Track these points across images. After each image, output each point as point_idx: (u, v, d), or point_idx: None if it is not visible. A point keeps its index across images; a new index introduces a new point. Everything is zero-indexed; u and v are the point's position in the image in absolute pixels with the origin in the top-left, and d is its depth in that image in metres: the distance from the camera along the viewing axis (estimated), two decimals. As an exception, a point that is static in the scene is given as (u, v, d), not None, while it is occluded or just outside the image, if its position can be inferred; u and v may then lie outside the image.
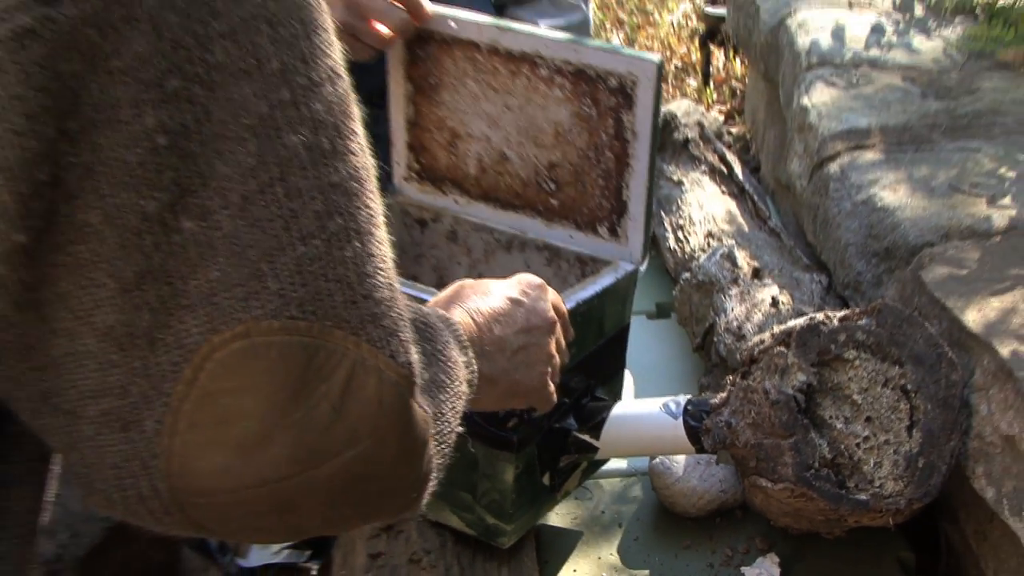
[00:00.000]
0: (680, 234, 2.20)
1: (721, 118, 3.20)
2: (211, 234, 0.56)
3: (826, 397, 1.37)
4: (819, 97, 2.10)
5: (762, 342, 1.43)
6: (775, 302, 1.76)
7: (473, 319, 1.02)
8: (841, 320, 1.40)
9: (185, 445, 0.58)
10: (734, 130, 3.13)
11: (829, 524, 1.41)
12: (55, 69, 0.52)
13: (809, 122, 2.05)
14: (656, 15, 3.98)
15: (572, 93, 1.56)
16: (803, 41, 2.33)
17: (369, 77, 2.08)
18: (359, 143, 0.62)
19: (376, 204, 0.64)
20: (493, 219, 1.73)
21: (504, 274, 1.76)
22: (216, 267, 0.57)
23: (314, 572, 1.70)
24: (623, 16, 4.03)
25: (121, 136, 0.54)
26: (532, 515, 1.54)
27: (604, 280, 1.54)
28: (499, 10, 2.01)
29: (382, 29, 1.60)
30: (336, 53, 0.62)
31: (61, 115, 0.53)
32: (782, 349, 1.37)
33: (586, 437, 1.51)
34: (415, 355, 0.67)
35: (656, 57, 1.49)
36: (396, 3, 1.59)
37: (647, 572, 1.55)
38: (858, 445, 1.34)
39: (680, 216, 2.23)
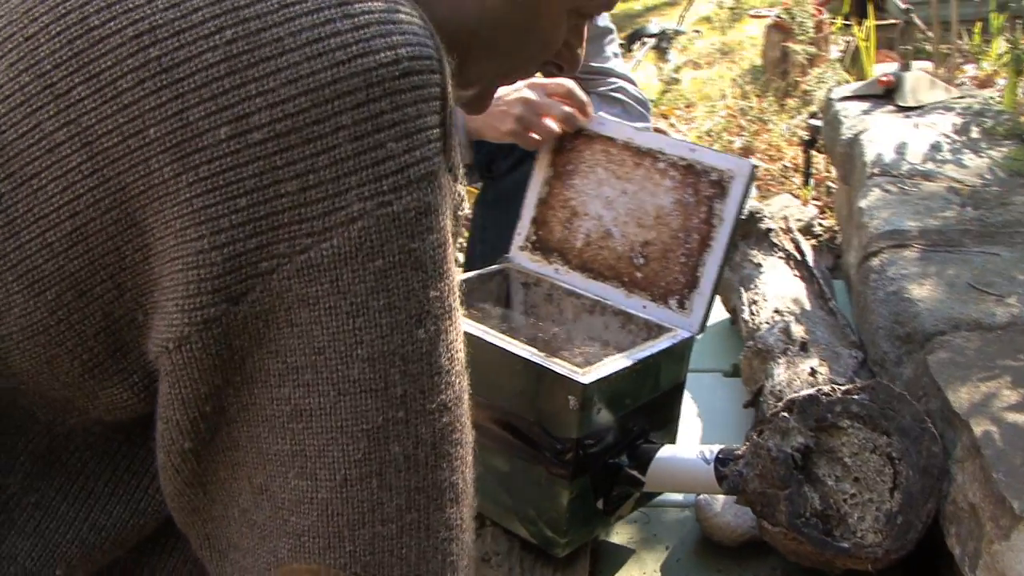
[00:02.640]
0: (754, 308, 2.14)
1: (816, 212, 3.12)
2: (312, 494, 0.58)
3: (821, 457, 1.31)
4: (873, 201, 2.03)
5: (776, 406, 1.39)
6: (813, 372, 1.70)
7: None
8: (844, 393, 1.34)
9: None
10: (826, 222, 3.04)
11: (824, 563, 1.36)
12: (229, 344, 0.56)
13: (863, 221, 1.98)
14: (771, 124, 3.91)
15: (680, 183, 1.58)
16: (870, 153, 2.26)
17: (479, 156, 2.13)
18: (452, 461, 0.62)
19: (452, 507, 0.63)
20: (583, 287, 1.72)
21: (587, 333, 1.76)
22: (310, 518, 0.59)
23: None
24: (744, 123, 3.97)
25: (266, 394, 0.57)
26: (585, 532, 1.52)
27: (662, 343, 1.53)
28: None
29: (551, 125, 1.65)
30: (454, 388, 0.62)
31: (229, 372, 0.57)
32: (786, 415, 1.33)
33: (634, 473, 1.50)
34: None
35: (753, 161, 1.50)
36: (565, 104, 1.64)
37: (679, 589, 1.52)
38: (845, 500, 1.28)
39: (756, 293, 2.18)
